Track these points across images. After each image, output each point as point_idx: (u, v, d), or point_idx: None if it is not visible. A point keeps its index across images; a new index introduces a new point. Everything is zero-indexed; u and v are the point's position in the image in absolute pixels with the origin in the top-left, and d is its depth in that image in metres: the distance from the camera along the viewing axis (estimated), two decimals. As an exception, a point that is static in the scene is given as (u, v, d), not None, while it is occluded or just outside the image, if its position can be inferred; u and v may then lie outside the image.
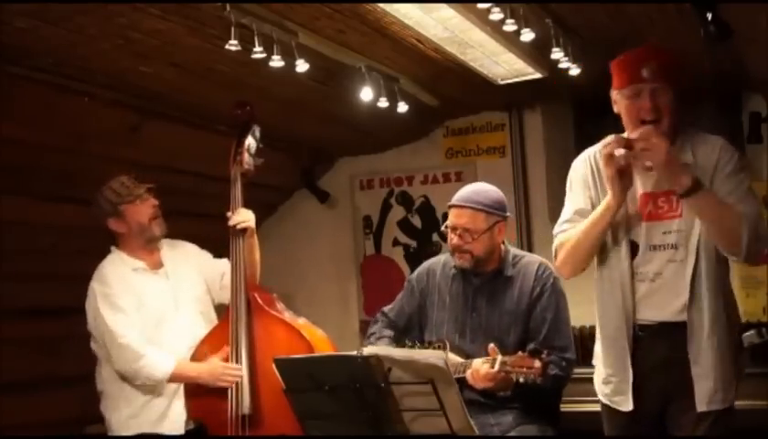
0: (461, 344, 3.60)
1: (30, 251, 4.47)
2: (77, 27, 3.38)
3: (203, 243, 4.09)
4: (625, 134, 3.00)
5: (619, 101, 3.04)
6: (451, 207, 3.66)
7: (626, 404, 3.06)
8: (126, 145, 4.42)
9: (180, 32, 3.54)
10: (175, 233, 3.96)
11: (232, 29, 3.38)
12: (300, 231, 6.39)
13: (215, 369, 3.68)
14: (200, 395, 3.74)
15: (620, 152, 2.90)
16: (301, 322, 3.79)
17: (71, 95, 3.98)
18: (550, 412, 3.61)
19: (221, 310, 3.99)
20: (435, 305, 3.72)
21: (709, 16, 3.39)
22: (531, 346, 3.32)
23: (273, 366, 3.04)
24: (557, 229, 3.21)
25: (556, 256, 3.18)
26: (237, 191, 3.86)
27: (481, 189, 3.70)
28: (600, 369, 3.18)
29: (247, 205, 3.84)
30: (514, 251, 3.73)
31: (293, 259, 6.37)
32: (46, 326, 3.95)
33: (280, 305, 3.84)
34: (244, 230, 3.82)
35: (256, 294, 3.79)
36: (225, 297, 3.92)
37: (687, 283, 2.97)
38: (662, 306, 3.01)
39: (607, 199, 3.00)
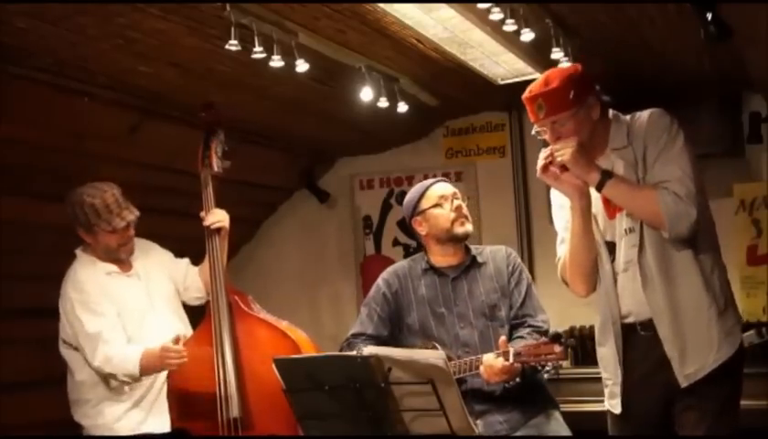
0: (453, 333, 3.62)
1: (30, 251, 4.47)
2: (77, 27, 3.38)
3: (201, 243, 4.08)
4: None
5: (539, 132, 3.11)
6: (430, 187, 3.75)
7: (617, 407, 3.07)
8: (126, 145, 4.42)
9: (180, 32, 3.54)
10: (173, 233, 3.97)
11: (232, 29, 3.38)
12: (300, 231, 6.39)
13: (159, 351, 3.63)
14: (183, 404, 3.73)
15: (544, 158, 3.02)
16: (282, 323, 3.79)
17: (71, 95, 3.98)
18: (548, 396, 3.68)
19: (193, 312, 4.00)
20: (413, 305, 3.70)
21: (709, 16, 3.39)
22: (552, 332, 3.41)
23: (273, 366, 3.04)
24: (556, 258, 3.24)
25: (565, 281, 3.20)
26: (209, 194, 3.85)
27: None
28: (602, 372, 3.18)
29: (247, 205, 3.85)
30: (472, 245, 3.82)
31: (293, 259, 6.38)
32: (46, 326, 3.95)
33: (256, 307, 3.85)
34: (219, 230, 3.82)
35: (235, 296, 3.80)
36: (188, 297, 3.98)
37: (635, 263, 2.98)
38: (639, 297, 2.99)
39: (571, 205, 3.06)
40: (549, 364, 3.23)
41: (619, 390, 3.06)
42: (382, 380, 2.88)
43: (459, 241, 3.72)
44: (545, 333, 3.54)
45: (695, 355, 2.93)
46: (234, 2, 3.33)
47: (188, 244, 4.07)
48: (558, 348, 3.20)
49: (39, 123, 3.99)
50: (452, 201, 3.70)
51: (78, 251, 3.88)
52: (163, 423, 3.80)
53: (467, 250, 3.77)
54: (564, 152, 2.95)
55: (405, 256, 6.08)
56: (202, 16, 3.42)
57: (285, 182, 6.21)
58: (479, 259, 3.73)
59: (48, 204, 4.36)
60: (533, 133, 3.10)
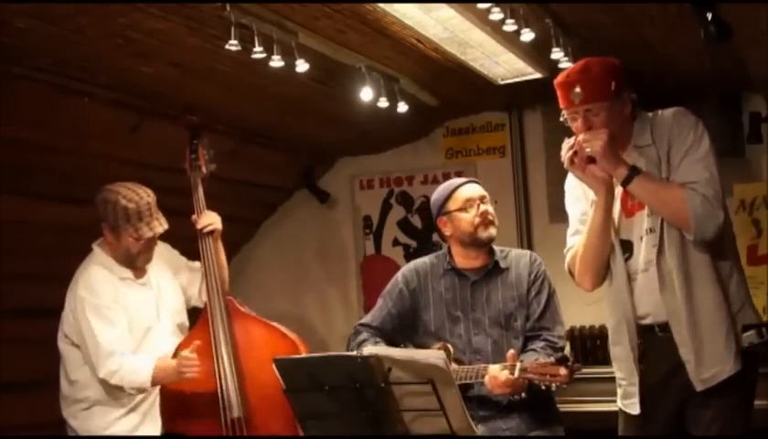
0: (466, 338, 3.61)
1: (30, 251, 4.47)
2: (77, 27, 3.38)
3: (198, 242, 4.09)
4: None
5: (567, 119, 3.06)
6: (457, 189, 3.72)
7: (634, 408, 3.05)
8: (126, 145, 4.42)
9: (180, 32, 3.54)
10: (173, 233, 3.96)
11: (232, 29, 3.38)
12: (300, 231, 6.39)
13: (177, 361, 3.62)
14: (178, 409, 3.72)
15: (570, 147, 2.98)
16: (274, 324, 3.81)
17: (71, 95, 3.98)
18: (555, 411, 3.65)
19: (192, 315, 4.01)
20: (431, 304, 3.69)
21: (709, 16, 3.39)
22: (559, 354, 3.36)
23: (273, 366, 3.04)
24: (565, 249, 3.23)
25: (571, 273, 3.18)
26: (199, 195, 3.87)
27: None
28: (616, 372, 3.16)
29: (247, 205, 3.86)
30: (498, 246, 3.77)
31: (293, 259, 6.38)
32: (46, 326, 3.95)
33: (248, 310, 3.86)
34: (211, 233, 3.83)
35: (231, 298, 3.83)
36: (200, 302, 3.95)
37: (654, 263, 2.95)
38: (657, 298, 2.96)
39: (593, 199, 3.03)
40: (554, 385, 3.21)
41: (636, 390, 3.03)
42: (382, 380, 2.88)
43: (482, 246, 3.67)
44: (560, 349, 3.51)
45: (712, 360, 2.91)
46: (234, 2, 3.33)
47: (189, 244, 4.07)
48: (563, 371, 3.17)
49: (39, 123, 3.98)
50: (478, 205, 3.66)
51: (95, 246, 3.82)
52: (156, 429, 3.79)
53: (491, 253, 3.70)
54: (593, 144, 2.91)
55: (405, 256, 6.10)
56: (202, 16, 3.42)
57: (285, 182, 6.21)
58: (502, 264, 3.67)
59: (48, 204, 4.36)
60: (561, 119, 3.05)
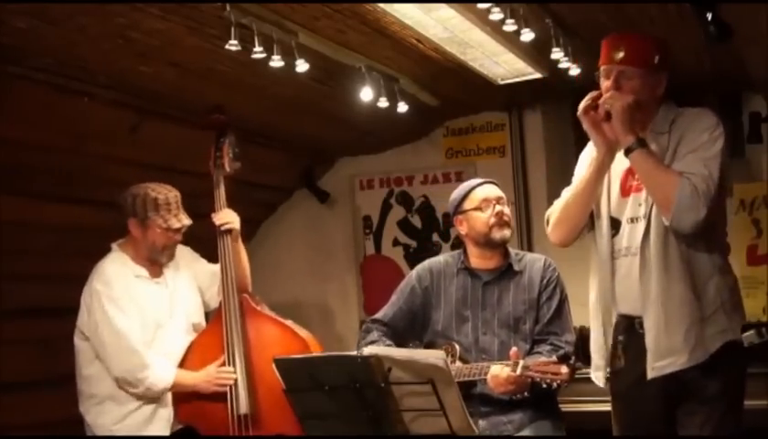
0: (473, 337, 3.62)
1: (30, 251, 4.47)
2: (77, 27, 3.38)
3: (202, 243, 4.09)
4: None
5: (600, 76, 3.08)
6: (474, 189, 3.75)
7: (600, 381, 3.11)
8: (126, 145, 4.42)
9: (180, 32, 3.55)
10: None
11: (232, 29, 3.38)
12: (300, 231, 6.39)
13: (209, 374, 3.70)
14: (188, 400, 3.75)
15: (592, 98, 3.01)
16: (288, 322, 3.82)
17: (71, 95, 3.98)
18: (556, 406, 3.66)
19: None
20: (441, 304, 3.71)
21: (709, 16, 3.40)
22: (561, 352, 3.38)
23: (273, 366, 3.04)
24: (556, 200, 3.25)
25: (548, 223, 3.21)
26: (221, 193, 3.89)
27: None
28: (591, 344, 3.21)
29: (247, 205, 3.86)
30: (513, 249, 3.80)
31: (294, 259, 6.38)
32: (46, 326, 3.96)
33: (266, 308, 3.87)
34: (229, 231, 3.84)
35: (246, 295, 3.84)
36: (216, 302, 3.96)
37: (638, 247, 2.97)
38: (636, 286, 2.98)
39: (594, 155, 3.06)
40: (555, 383, 3.22)
41: (603, 365, 3.09)
42: (382, 380, 2.88)
43: (496, 247, 3.69)
44: (566, 354, 3.50)
45: (667, 350, 2.93)
46: (234, 2, 3.33)
47: (190, 244, 4.08)
48: (564, 370, 3.19)
49: (39, 123, 3.99)
50: (494, 206, 3.68)
51: (114, 246, 3.85)
52: (166, 424, 3.80)
53: (506, 254, 3.72)
54: (616, 102, 2.93)
55: (405, 256, 6.10)
56: (202, 16, 3.43)
57: (285, 182, 6.21)
58: (515, 267, 3.69)
59: (47, 204, 4.36)
60: (595, 73, 3.07)
